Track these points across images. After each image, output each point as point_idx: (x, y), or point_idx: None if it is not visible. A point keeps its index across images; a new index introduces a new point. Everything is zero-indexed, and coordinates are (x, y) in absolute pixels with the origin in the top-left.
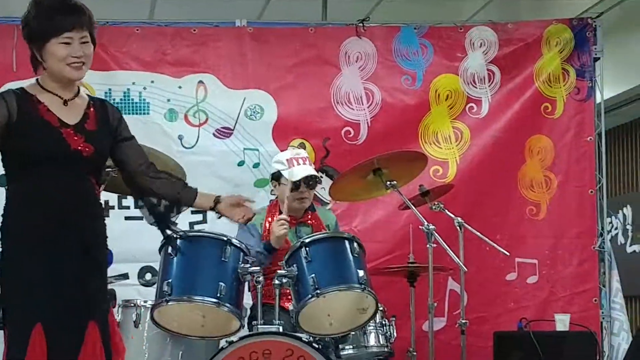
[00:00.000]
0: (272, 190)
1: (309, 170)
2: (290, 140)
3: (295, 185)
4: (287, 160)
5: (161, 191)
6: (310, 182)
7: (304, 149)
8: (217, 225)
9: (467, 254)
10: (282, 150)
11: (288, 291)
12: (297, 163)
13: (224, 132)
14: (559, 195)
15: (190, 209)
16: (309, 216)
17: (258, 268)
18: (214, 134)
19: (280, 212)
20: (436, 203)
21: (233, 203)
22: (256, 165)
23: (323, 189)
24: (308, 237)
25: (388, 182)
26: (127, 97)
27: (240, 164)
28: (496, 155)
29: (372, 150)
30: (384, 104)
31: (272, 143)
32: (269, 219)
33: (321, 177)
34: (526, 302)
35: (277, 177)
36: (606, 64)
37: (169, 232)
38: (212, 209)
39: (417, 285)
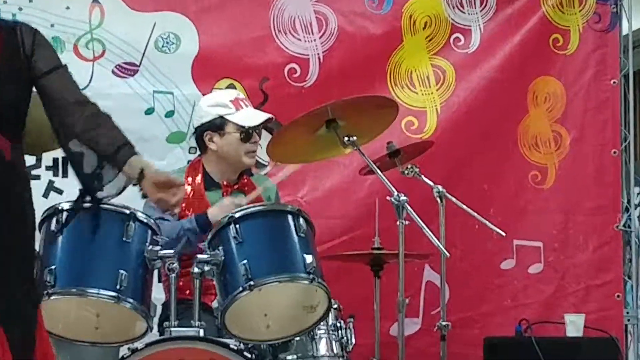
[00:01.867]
0: (190, 148)
1: (265, 114)
2: (215, 80)
3: (248, 135)
4: (232, 102)
5: (94, 142)
6: (259, 130)
7: None
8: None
9: (449, 234)
10: (204, 94)
11: (212, 283)
12: (244, 104)
13: (127, 69)
14: (572, 157)
15: None
16: (245, 181)
17: (171, 252)
18: (113, 72)
19: (206, 174)
20: (410, 166)
21: (157, 182)
22: (170, 114)
23: (260, 147)
24: (238, 211)
25: (346, 138)
26: None
27: (149, 111)
28: (490, 104)
29: (325, 95)
30: (341, 33)
31: (192, 84)
32: (188, 185)
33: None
34: (527, 298)
35: (218, 125)
36: None
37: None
38: (135, 184)
39: (383, 275)
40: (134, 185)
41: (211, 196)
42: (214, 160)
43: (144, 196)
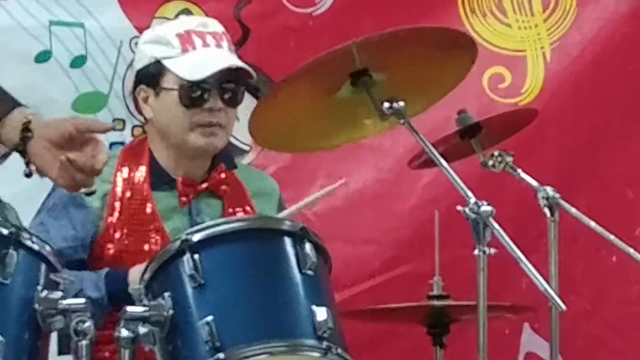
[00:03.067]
0: (114, 120)
1: (231, 58)
2: (158, 4)
3: (195, 94)
4: (179, 35)
5: None
6: (231, 86)
7: None
8: None
9: (566, 272)
10: (140, 29)
11: (153, 355)
12: (204, 43)
13: None
14: None
15: None
16: (221, 177)
17: (82, 301)
18: None
19: (154, 163)
20: (497, 154)
21: (60, 134)
22: (79, 62)
23: (237, 120)
24: (199, 230)
25: (386, 104)
26: None
27: (43, 57)
28: (637, 46)
29: (348, 28)
30: None
31: (117, 10)
32: (122, 180)
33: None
34: None
35: (154, 74)
36: None
37: None
38: (18, 150)
39: (449, 343)
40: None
41: (161, 199)
42: (158, 139)
43: (29, 174)
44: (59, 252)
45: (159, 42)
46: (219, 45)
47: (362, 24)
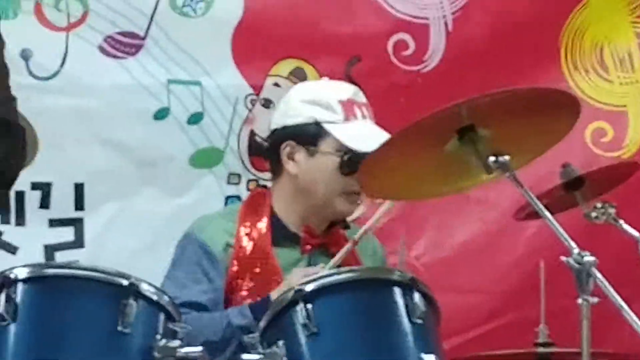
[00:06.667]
0: (230, 175)
1: (385, 133)
2: (272, 62)
3: (354, 163)
4: (342, 103)
5: None
6: None
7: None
8: (106, 252)
9: None
10: (254, 87)
11: None
12: (362, 114)
13: (124, 44)
14: None
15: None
16: (334, 237)
17: (199, 350)
18: (101, 48)
19: (275, 218)
20: (600, 206)
21: None
22: (196, 119)
23: None
24: (312, 281)
25: (492, 158)
26: None
27: (161, 114)
28: None
29: (456, 85)
30: None
31: (233, 69)
32: (244, 235)
33: None
34: None
35: (311, 135)
36: None
37: None
38: None
39: None
40: None
41: (283, 256)
42: (290, 194)
43: None
44: (198, 305)
45: (320, 104)
46: (371, 118)
47: (468, 81)
